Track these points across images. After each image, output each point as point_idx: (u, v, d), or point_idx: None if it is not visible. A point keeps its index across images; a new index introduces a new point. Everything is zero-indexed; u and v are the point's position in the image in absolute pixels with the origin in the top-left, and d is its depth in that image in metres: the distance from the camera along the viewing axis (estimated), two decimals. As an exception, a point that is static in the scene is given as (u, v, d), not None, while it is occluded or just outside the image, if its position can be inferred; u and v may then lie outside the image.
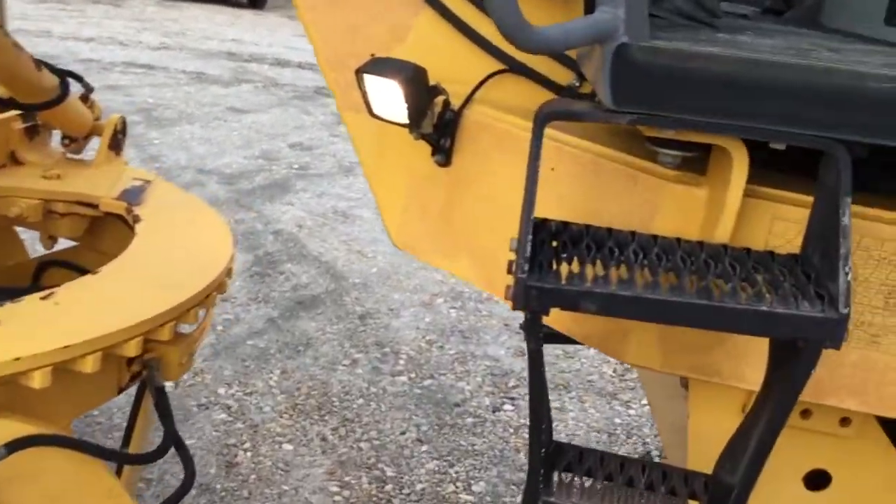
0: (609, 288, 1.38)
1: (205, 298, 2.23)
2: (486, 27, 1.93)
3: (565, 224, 1.59)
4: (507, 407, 4.33)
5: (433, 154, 1.98)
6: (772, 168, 1.63)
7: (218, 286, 2.33)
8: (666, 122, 1.47)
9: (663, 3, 1.98)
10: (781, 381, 1.49)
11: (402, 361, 4.67)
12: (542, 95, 1.90)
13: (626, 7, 1.40)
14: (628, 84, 1.45)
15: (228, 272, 2.42)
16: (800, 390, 1.44)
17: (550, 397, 2.79)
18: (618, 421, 4.32)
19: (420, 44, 1.98)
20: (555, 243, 1.54)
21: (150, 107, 9.59)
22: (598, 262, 1.47)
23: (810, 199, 1.56)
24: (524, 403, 4.24)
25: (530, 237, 1.42)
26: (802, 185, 1.59)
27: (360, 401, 4.24)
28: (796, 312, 1.36)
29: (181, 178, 7.26)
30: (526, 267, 1.38)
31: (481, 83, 1.93)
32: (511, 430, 4.12)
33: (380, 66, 1.80)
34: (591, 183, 1.74)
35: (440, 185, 2.02)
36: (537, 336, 1.49)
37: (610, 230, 1.58)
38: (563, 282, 1.40)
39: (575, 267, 1.45)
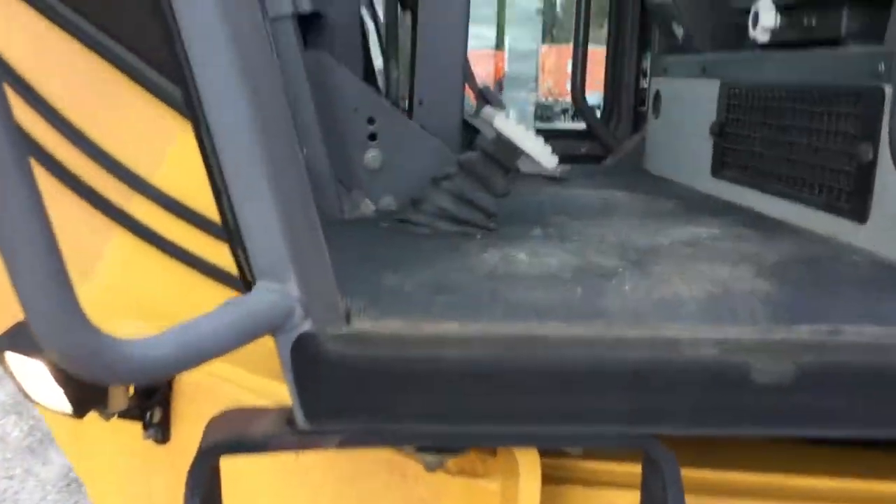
0: None
1: None
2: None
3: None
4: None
5: (145, 430, 1.42)
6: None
7: None
8: (392, 438, 0.96)
9: (422, 204, 1.51)
10: None
11: None
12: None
13: (301, 278, 0.89)
14: (325, 392, 0.93)
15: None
16: None
17: None
18: None
19: (112, 275, 1.45)
20: None
21: None
22: None
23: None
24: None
25: None
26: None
27: None
28: None
29: None
30: None
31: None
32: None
33: (23, 338, 1.25)
34: (348, 477, 1.21)
35: (163, 467, 1.45)
36: None
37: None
38: None
39: None
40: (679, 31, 2.42)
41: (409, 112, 1.79)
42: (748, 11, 2.01)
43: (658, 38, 2.69)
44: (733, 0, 2.12)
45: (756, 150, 1.93)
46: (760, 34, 1.86)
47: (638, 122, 2.84)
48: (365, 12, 2.20)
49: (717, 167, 2.15)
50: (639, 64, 2.82)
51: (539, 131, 3.01)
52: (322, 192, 1.60)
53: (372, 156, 1.70)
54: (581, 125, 2.90)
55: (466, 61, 1.78)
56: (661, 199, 2.05)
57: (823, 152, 1.63)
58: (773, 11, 1.83)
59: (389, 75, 1.76)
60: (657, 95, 2.65)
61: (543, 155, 1.50)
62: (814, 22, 1.75)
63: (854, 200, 1.53)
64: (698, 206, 1.95)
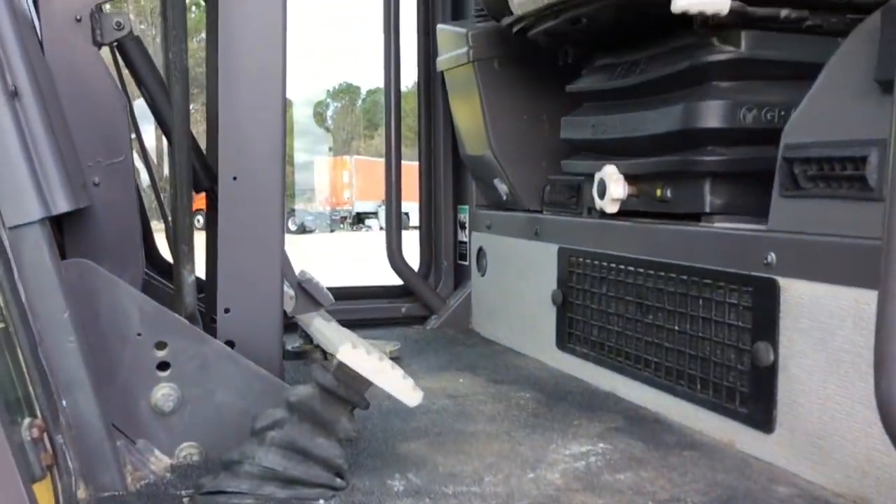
0: None
1: None
2: None
3: None
4: None
5: None
6: None
7: None
8: None
9: (239, 465, 1.12)
10: None
11: None
12: None
13: None
14: None
15: None
16: None
17: None
18: None
19: None
20: None
21: None
22: None
23: None
24: None
25: None
26: None
27: None
28: None
29: None
30: None
31: None
32: None
33: None
34: None
35: None
36: None
37: None
38: None
39: None
40: (503, 188, 2.23)
41: (212, 323, 1.38)
42: (585, 175, 1.85)
43: (476, 190, 2.50)
44: (566, 164, 1.95)
45: (613, 329, 1.72)
46: (608, 205, 1.68)
47: (459, 276, 2.60)
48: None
49: (564, 340, 1.93)
50: (455, 216, 2.61)
51: (352, 289, 2.71)
52: (91, 457, 1.14)
53: (163, 393, 1.27)
54: (397, 281, 2.62)
55: (284, 252, 1.42)
56: (515, 389, 1.78)
57: (704, 343, 1.43)
58: (622, 182, 1.66)
59: (182, 279, 1.35)
60: (481, 252, 2.44)
61: (403, 391, 1.16)
62: (668, 194, 1.59)
63: (753, 406, 1.33)
64: (561, 396, 1.70)
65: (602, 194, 1.70)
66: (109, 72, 1.42)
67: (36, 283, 1.11)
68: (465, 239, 2.57)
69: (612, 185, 1.67)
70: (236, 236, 1.36)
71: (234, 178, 1.35)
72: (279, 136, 1.34)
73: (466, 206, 2.57)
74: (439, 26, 2.40)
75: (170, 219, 1.46)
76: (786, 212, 1.29)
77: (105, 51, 1.44)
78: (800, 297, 1.23)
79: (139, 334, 1.25)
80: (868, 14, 1.16)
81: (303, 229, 27.78)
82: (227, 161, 1.35)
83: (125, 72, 1.51)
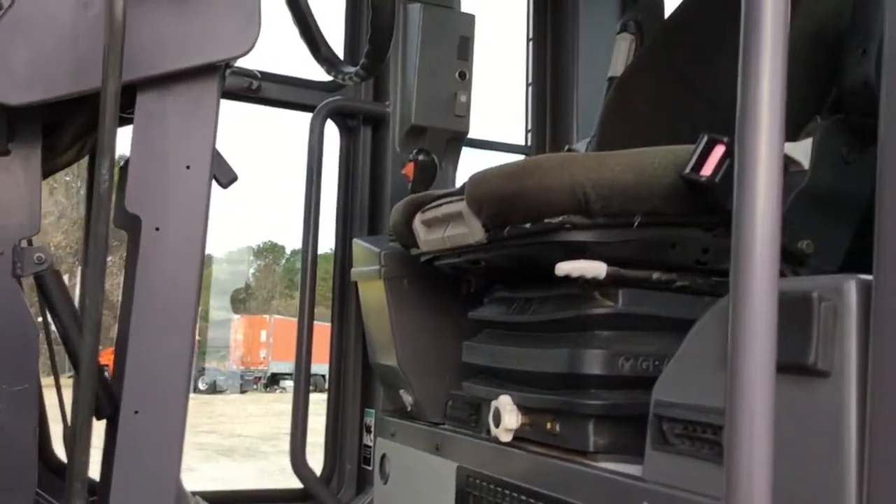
0: None
1: None
2: None
3: None
4: None
5: None
6: None
7: None
8: None
9: None
10: None
11: None
12: None
13: None
14: None
15: None
16: None
17: None
18: None
19: None
20: None
21: None
22: None
23: None
24: None
25: None
26: None
27: None
28: None
29: None
30: None
31: None
32: None
33: None
34: None
35: None
36: None
37: None
38: None
39: None
40: (408, 399, 2.31)
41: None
42: (488, 371, 1.94)
43: (382, 395, 2.56)
44: (466, 387, 2.05)
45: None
46: (503, 434, 1.77)
47: (362, 481, 2.61)
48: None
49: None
50: (362, 418, 2.66)
51: (250, 492, 2.67)
52: None
53: None
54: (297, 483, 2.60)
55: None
56: None
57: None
58: (516, 412, 1.76)
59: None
60: (385, 459, 2.47)
61: None
62: (558, 429, 1.69)
63: None
64: None
65: (497, 422, 1.79)
66: (25, 304, 1.47)
67: None
68: (371, 443, 2.60)
69: (507, 415, 1.77)
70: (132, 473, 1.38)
71: (136, 413, 1.38)
72: (185, 372, 1.40)
73: (373, 410, 2.62)
74: (355, 240, 2.55)
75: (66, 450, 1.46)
76: (657, 463, 1.40)
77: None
78: (670, 550, 1.31)
79: None
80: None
81: (213, 388, 26.90)
82: (129, 393, 1.39)
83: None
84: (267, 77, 2.64)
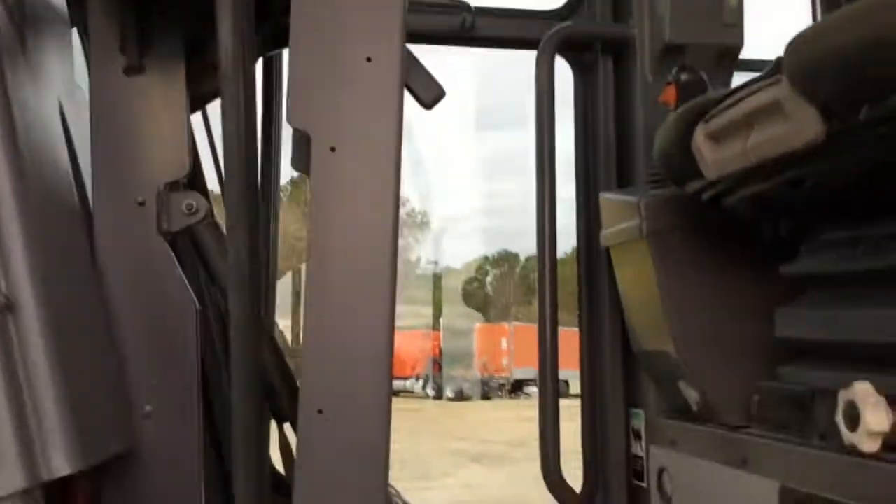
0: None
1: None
2: None
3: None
4: None
5: None
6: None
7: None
8: None
9: None
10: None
11: None
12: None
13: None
14: None
15: None
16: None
17: None
18: None
19: None
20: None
21: None
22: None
23: None
24: None
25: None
26: None
27: None
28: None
29: None
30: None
31: None
32: None
33: None
34: None
35: None
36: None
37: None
38: None
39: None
40: (692, 395, 1.72)
41: None
42: (818, 390, 1.33)
43: (653, 392, 2.00)
44: (787, 373, 1.43)
45: None
46: (865, 441, 1.15)
47: (634, 501, 2.06)
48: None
49: None
50: (627, 421, 2.11)
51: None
52: None
53: None
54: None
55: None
56: None
57: None
58: (884, 407, 1.14)
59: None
60: (664, 474, 1.90)
61: None
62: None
63: None
64: None
65: (853, 424, 1.17)
66: (178, 268, 1.10)
67: None
68: (642, 452, 2.04)
69: (870, 412, 1.14)
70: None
71: (319, 412, 0.96)
72: (383, 362, 0.95)
73: (641, 411, 2.06)
74: (602, 195, 2.02)
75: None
76: None
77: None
78: None
79: None
80: None
81: (460, 395, 27.54)
82: (310, 386, 0.97)
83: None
84: (481, 12, 2.19)
